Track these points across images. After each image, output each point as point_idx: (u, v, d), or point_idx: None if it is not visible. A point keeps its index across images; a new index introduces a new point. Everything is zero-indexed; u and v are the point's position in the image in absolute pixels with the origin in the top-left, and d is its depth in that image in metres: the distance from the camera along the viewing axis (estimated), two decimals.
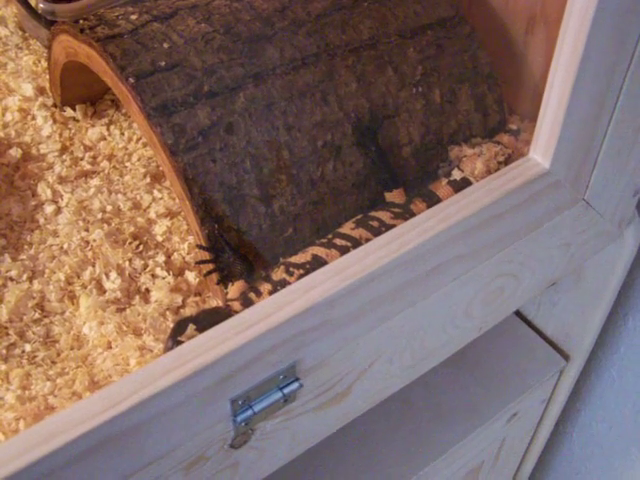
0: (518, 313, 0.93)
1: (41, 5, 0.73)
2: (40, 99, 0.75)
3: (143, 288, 0.60)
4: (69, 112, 0.74)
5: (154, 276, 0.61)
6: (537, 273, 0.62)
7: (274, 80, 0.58)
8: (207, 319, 0.50)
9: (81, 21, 0.58)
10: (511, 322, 0.92)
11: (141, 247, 0.63)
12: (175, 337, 0.50)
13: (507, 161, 0.62)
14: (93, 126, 0.73)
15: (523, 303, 0.71)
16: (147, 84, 0.54)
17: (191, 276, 0.61)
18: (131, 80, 0.54)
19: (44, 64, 0.79)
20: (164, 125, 0.54)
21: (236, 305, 0.52)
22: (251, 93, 0.57)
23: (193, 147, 0.54)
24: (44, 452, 0.39)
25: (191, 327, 0.50)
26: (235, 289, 0.55)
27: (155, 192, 0.67)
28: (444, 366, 0.65)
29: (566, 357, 0.89)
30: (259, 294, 0.53)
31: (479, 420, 0.83)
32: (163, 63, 0.55)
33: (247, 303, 0.52)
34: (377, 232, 0.56)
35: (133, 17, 0.59)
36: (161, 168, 0.69)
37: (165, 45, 0.56)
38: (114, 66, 0.55)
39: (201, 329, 0.49)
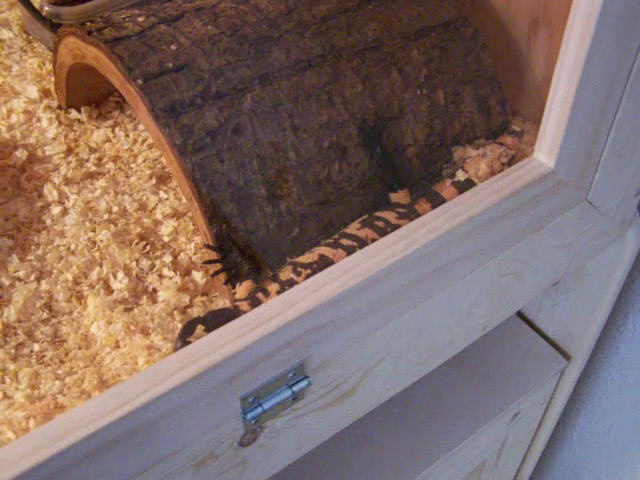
0: (520, 313, 0.94)
1: (46, 8, 0.73)
2: (45, 101, 0.75)
3: (150, 288, 0.60)
4: (74, 114, 0.74)
5: (161, 276, 0.61)
6: (540, 272, 0.62)
7: (280, 82, 0.58)
8: (215, 320, 0.51)
9: (88, 23, 0.59)
10: (513, 322, 0.93)
11: (148, 247, 0.63)
12: (184, 338, 0.50)
13: (510, 162, 0.63)
14: (98, 128, 0.74)
15: (526, 302, 0.72)
16: (155, 85, 0.55)
17: (198, 276, 0.61)
18: (139, 81, 0.54)
19: (48, 67, 0.79)
20: (172, 126, 0.54)
21: (244, 305, 0.53)
22: (258, 94, 0.57)
23: (201, 148, 0.55)
24: (56, 450, 0.40)
25: (200, 328, 0.51)
26: (243, 289, 0.55)
27: (161, 193, 0.68)
28: (446, 366, 0.65)
29: (567, 357, 0.89)
30: (267, 294, 0.53)
31: (481, 420, 0.84)
32: (171, 65, 0.56)
33: (255, 303, 0.53)
34: (383, 232, 0.57)
35: (140, 19, 0.59)
36: (167, 169, 0.70)
37: (172, 47, 0.57)
38: (122, 67, 0.55)
39: (209, 329, 0.49)
